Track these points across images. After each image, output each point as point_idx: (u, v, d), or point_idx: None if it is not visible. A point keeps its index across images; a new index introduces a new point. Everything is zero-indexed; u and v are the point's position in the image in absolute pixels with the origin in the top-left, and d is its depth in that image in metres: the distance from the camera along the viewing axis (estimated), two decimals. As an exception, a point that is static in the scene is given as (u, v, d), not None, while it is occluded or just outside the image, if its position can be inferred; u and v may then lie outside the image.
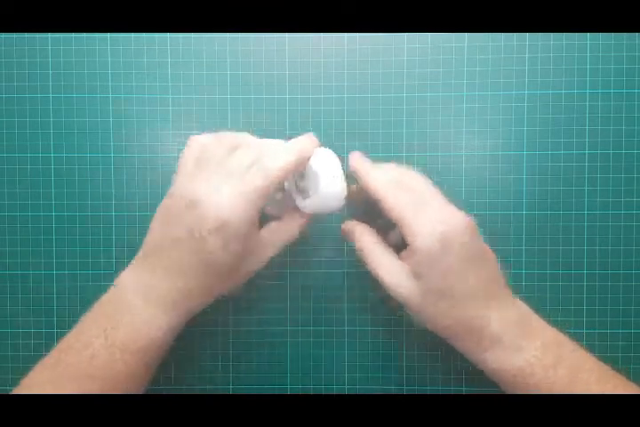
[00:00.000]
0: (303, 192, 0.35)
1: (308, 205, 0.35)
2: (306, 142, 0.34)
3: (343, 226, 0.37)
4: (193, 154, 0.35)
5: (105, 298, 0.35)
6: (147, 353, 0.34)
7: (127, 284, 0.34)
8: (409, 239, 0.33)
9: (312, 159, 0.34)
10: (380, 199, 0.34)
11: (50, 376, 0.33)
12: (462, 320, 0.33)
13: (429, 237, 0.32)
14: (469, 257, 0.33)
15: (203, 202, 0.32)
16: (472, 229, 0.33)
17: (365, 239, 0.36)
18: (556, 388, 0.32)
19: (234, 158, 0.33)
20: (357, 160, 0.36)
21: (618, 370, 0.34)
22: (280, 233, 0.36)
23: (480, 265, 0.33)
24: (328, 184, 0.34)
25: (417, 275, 0.33)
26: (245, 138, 0.35)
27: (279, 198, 0.37)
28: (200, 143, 0.35)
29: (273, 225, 0.36)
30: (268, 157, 0.33)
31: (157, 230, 0.34)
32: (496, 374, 0.34)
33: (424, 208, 0.33)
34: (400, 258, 0.34)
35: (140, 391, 0.35)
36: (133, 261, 0.35)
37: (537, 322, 0.35)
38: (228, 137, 0.35)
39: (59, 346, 0.34)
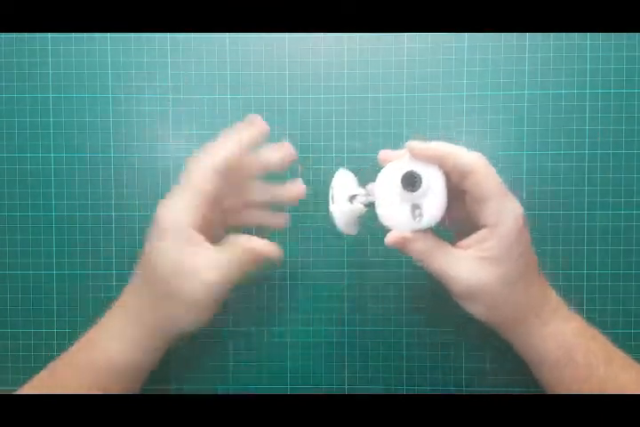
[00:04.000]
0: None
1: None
2: (245, 132, 0.34)
3: (389, 238, 0.33)
4: None
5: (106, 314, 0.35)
6: (125, 375, 0.34)
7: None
8: (492, 221, 0.31)
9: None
10: (475, 172, 0.31)
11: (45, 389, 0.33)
12: (532, 296, 0.33)
13: (514, 220, 0.31)
14: (529, 236, 0.33)
15: (157, 208, 0.33)
16: None
17: (423, 243, 0.33)
18: (596, 366, 0.32)
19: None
20: (432, 144, 0.32)
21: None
22: (240, 242, 0.33)
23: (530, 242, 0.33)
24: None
25: (496, 260, 0.31)
26: None
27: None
28: None
29: (224, 242, 0.34)
30: (206, 154, 0.33)
31: None
32: (550, 354, 0.33)
33: (505, 190, 0.32)
34: (462, 246, 0.33)
35: None
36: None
37: None
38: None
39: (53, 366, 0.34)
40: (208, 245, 0.32)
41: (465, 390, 0.41)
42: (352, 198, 0.34)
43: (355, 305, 0.41)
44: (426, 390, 0.41)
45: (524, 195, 0.40)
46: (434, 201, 0.32)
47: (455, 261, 0.32)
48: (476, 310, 0.33)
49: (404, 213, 0.32)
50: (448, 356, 0.41)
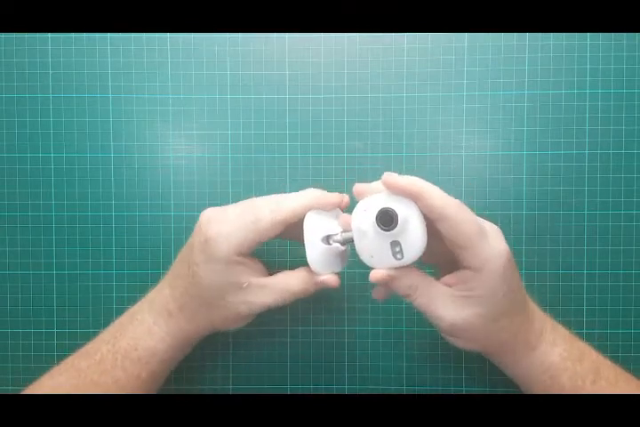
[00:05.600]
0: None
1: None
2: (325, 194, 0.34)
3: (374, 275, 0.31)
4: None
5: (129, 309, 0.36)
6: (146, 364, 0.34)
7: (146, 296, 0.36)
8: (473, 265, 0.30)
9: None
10: (449, 218, 0.30)
11: (58, 382, 0.34)
12: (516, 327, 0.33)
13: (497, 261, 0.30)
14: (516, 272, 0.32)
15: (204, 215, 0.34)
16: None
17: (409, 279, 0.32)
18: (582, 387, 0.32)
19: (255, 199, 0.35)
20: (408, 178, 0.31)
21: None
22: (285, 284, 0.34)
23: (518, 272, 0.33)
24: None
25: (479, 300, 0.31)
26: None
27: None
28: None
29: (281, 274, 0.35)
30: (283, 197, 0.34)
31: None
32: (536, 379, 0.33)
33: (485, 228, 0.31)
34: (447, 283, 0.32)
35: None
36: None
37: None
38: None
39: (78, 352, 0.35)
40: (260, 267, 0.35)
41: (465, 391, 0.41)
42: (327, 238, 0.33)
43: (355, 305, 0.41)
44: (426, 390, 0.41)
45: (524, 195, 0.41)
46: (414, 236, 0.30)
47: (439, 299, 0.31)
48: (462, 344, 0.33)
49: (384, 251, 0.31)
50: (448, 356, 0.41)
